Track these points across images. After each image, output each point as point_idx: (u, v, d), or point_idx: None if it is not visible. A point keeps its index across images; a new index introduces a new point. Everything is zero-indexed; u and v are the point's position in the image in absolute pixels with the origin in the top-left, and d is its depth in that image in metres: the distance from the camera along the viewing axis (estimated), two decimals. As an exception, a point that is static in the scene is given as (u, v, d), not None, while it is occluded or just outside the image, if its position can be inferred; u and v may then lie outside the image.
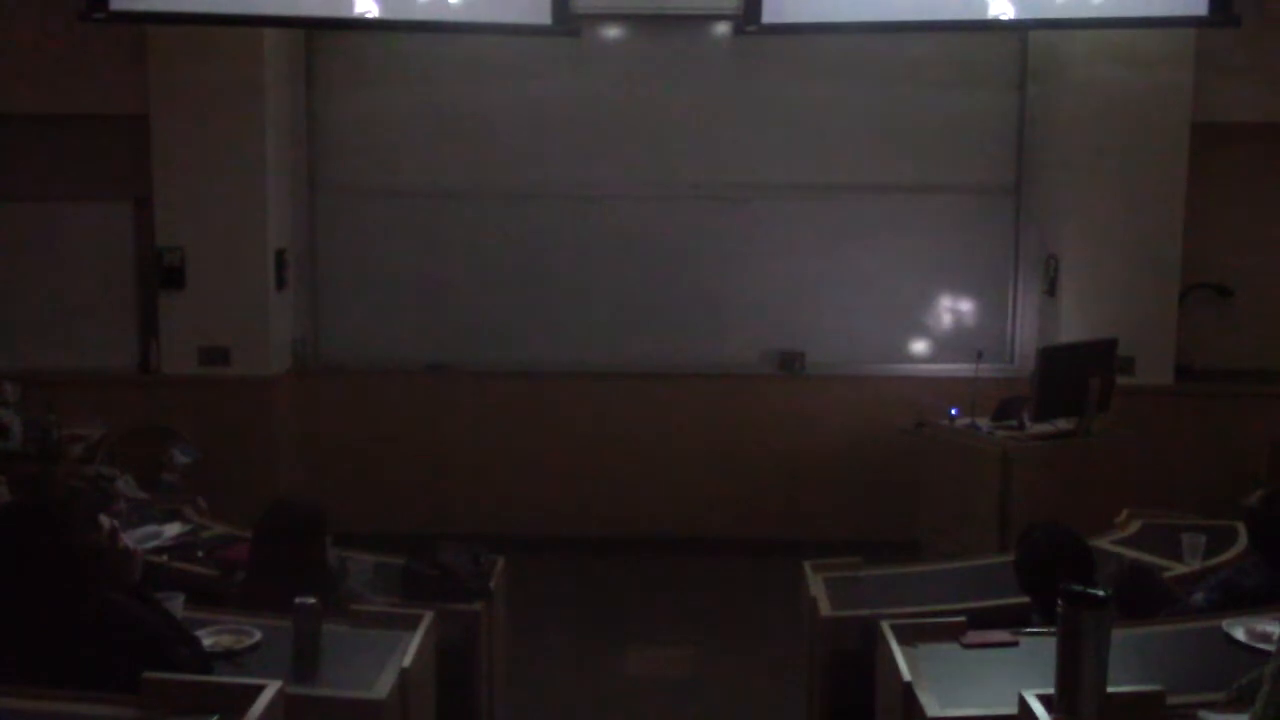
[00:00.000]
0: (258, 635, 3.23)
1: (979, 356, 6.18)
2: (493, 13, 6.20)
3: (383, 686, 3.00)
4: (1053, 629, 2.67)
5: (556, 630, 5.78)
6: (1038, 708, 2.59)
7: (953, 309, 7.12)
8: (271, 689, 2.63)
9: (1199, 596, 3.63)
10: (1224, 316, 6.84)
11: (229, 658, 3.12)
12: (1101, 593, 2.65)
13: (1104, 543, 4.42)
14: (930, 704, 2.87)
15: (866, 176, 7.04)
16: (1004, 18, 6.19)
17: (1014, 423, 5.96)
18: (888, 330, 7.12)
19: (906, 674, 3.03)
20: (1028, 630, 3.28)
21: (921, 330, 7.13)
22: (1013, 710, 2.69)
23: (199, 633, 3.14)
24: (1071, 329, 6.59)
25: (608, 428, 7.02)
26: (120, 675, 2.64)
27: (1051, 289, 6.83)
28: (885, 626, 3.29)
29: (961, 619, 3.30)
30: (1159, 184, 6.54)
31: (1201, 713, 2.62)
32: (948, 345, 7.08)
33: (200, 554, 4.34)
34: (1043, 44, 6.86)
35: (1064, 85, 6.72)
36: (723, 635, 5.84)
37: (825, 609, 3.89)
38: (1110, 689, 2.60)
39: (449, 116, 7.04)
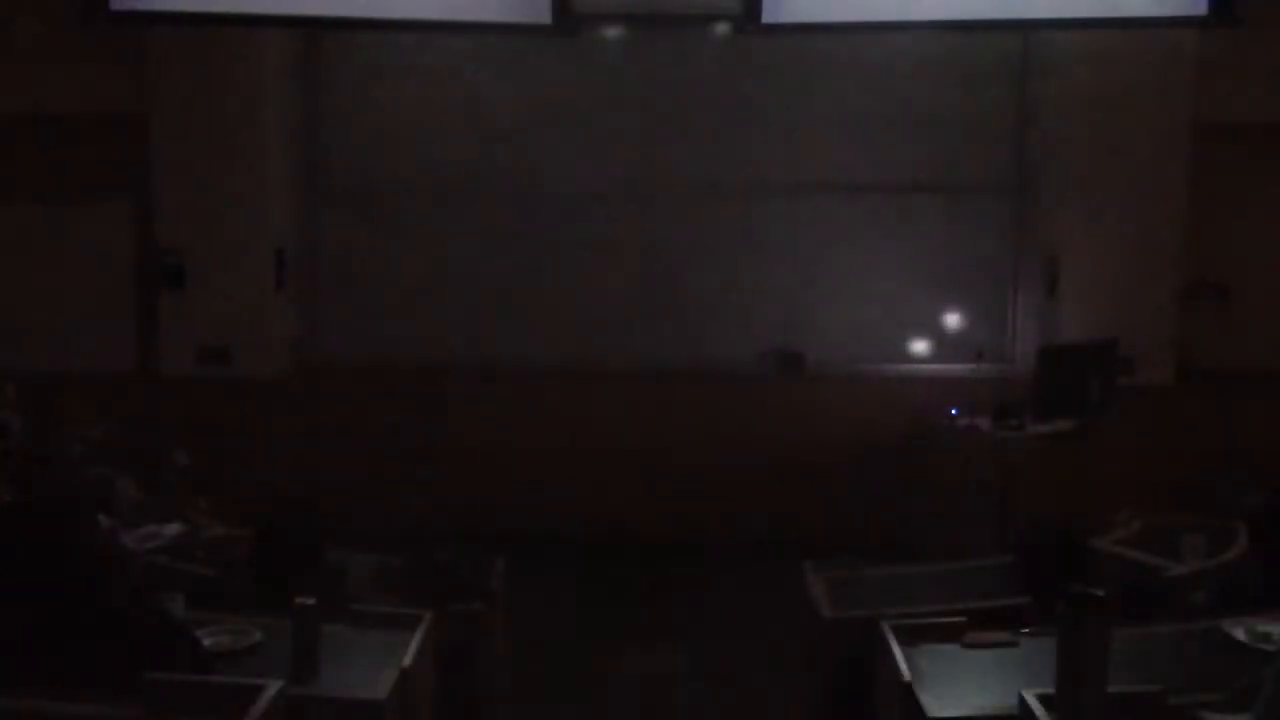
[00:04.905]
0: (258, 635, 3.23)
1: (979, 356, 6.19)
2: (493, 13, 6.19)
3: (383, 686, 3.00)
4: (1053, 629, 2.67)
5: (556, 630, 5.78)
6: (1038, 708, 2.59)
7: (953, 309, 7.12)
8: (271, 689, 2.63)
9: (1199, 596, 3.63)
10: (1224, 316, 6.84)
11: (229, 658, 3.12)
12: (1101, 593, 2.65)
13: (1104, 543, 4.41)
14: (930, 704, 2.87)
15: (866, 176, 7.04)
16: (1004, 18, 6.18)
17: (1014, 423, 5.96)
18: (888, 330, 7.12)
19: (906, 674, 3.03)
20: (1028, 630, 3.28)
21: (921, 330, 7.13)
22: (1013, 710, 2.69)
23: (199, 633, 3.14)
24: (1071, 329, 6.59)
25: (608, 428, 7.02)
26: (120, 675, 2.64)
27: (1051, 289, 6.82)
28: (885, 626, 3.29)
29: (961, 619, 3.30)
30: (1159, 184, 6.55)
31: (1202, 713, 2.62)
32: (948, 345, 7.08)
33: (200, 554, 4.34)
34: (1043, 44, 6.86)
35: (1064, 85, 6.72)
36: (722, 636, 5.83)
37: (825, 609, 3.89)
38: (1110, 689, 2.59)
39: (449, 116, 7.04)
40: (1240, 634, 3.21)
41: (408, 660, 3.15)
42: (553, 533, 6.84)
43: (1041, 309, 7.00)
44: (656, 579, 6.63)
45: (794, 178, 7.05)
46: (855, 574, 4.22)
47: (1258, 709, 2.39)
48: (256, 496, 4.27)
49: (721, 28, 6.99)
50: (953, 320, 7.13)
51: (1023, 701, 2.64)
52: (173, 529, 4.57)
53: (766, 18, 6.11)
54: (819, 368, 7.04)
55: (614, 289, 7.09)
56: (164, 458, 6.23)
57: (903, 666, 3.07)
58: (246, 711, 2.53)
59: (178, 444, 6.29)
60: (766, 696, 5.07)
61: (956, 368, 6.73)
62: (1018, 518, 5.38)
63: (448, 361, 7.08)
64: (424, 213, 7.11)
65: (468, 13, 6.20)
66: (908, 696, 2.96)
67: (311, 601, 3.13)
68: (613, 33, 7.07)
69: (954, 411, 6.09)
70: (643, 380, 7.04)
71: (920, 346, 7.14)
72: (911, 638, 3.23)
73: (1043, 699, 2.61)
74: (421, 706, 3.31)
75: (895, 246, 7.06)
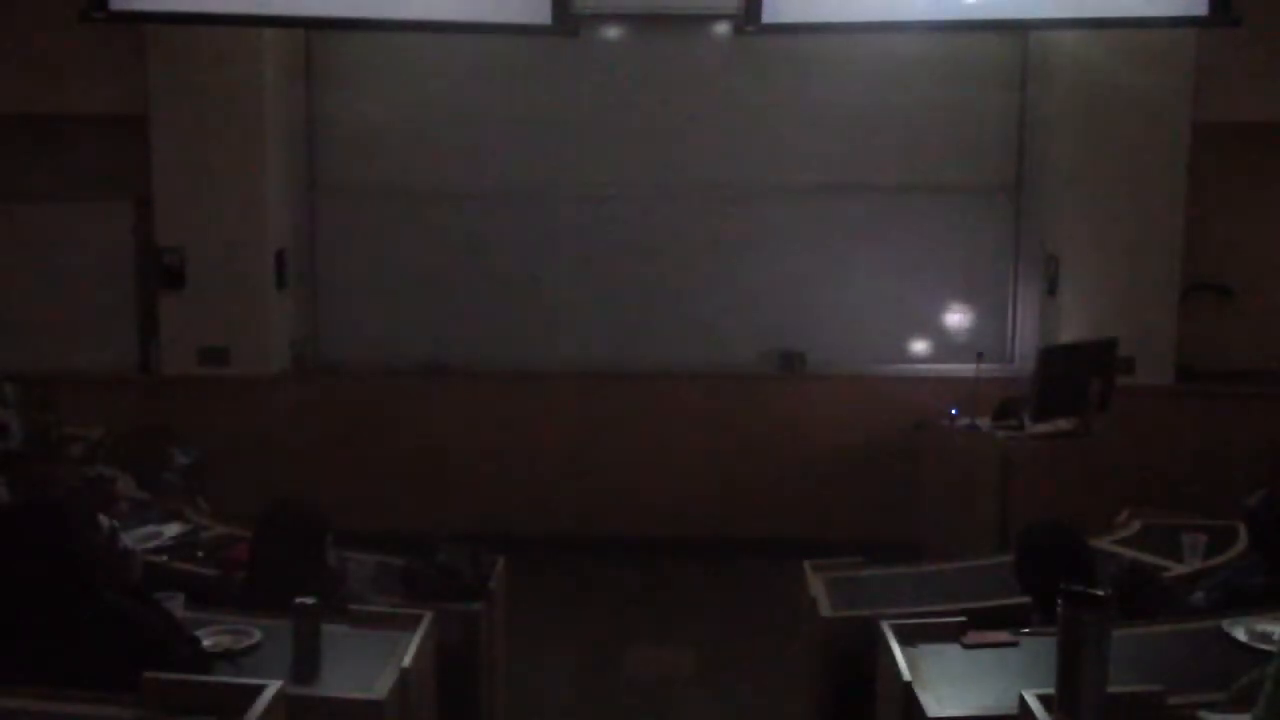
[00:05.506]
0: (258, 635, 3.23)
1: (979, 357, 6.18)
2: (493, 13, 6.20)
3: (383, 686, 3.00)
4: (1053, 629, 2.67)
5: (556, 630, 5.78)
6: (1038, 708, 2.59)
7: (953, 309, 7.12)
8: (271, 689, 2.63)
9: (1199, 596, 3.63)
10: (1224, 316, 6.84)
11: (229, 658, 3.12)
12: (1101, 593, 2.65)
13: (1104, 543, 4.42)
14: (930, 704, 2.87)
15: (867, 176, 7.03)
16: (1004, 18, 6.18)
17: (1014, 423, 5.96)
18: (888, 330, 7.12)
19: (906, 674, 3.03)
20: (1028, 630, 3.28)
21: (921, 330, 7.13)
22: (1013, 710, 2.69)
23: (199, 633, 3.14)
24: (1071, 329, 6.59)
25: (608, 428, 7.02)
26: (120, 675, 2.64)
27: (1051, 289, 6.82)
28: (885, 626, 3.29)
29: (961, 619, 3.30)
30: (1159, 184, 6.55)
31: (1202, 713, 2.62)
32: (948, 345, 7.07)
33: (200, 554, 4.34)
34: (1043, 44, 6.86)
35: (1064, 85, 6.72)
36: (723, 635, 5.84)
37: (825, 609, 3.89)
38: (1110, 689, 2.59)
39: (449, 116, 7.04)
40: (1240, 634, 3.22)
41: (408, 660, 3.15)
42: (552, 533, 6.84)
43: (1041, 309, 7.00)
44: (656, 579, 6.64)
45: (794, 178, 7.04)
46: (855, 574, 4.23)
47: (1258, 709, 2.39)
48: (256, 496, 4.26)
49: (721, 28, 6.99)
50: (953, 320, 7.12)
51: (1023, 701, 2.64)
52: (173, 529, 4.58)
53: (766, 18, 6.12)
54: (820, 367, 7.04)
55: (614, 289, 7.09)
56: (164, 458, 6.24)
57: (903, 666, 3.07)
58: (246, 711, 2.54)
59: (178, 444, 6.31)
60: (767, 696, 5.07)
61: (957, 368, 6.72)
62: (1018, 518, 5.37)
63: (448, 361, 7.08)
64: (424, 213, 7.11)
65: (467, 13, 6.20)
66: (908, 696, 2.96)
67: (311, 601, 3.13)
68: (613, 33, 7.07)
69: (954, 411, 6.09)
70: (643, 380, 7.03)
71: (920, 346, 7.14)
72: (911, 638, 3.23)
73: (1043, 699, 2.61)
74: (421, 706, 3.31)
75: (895, 246, 7.06)
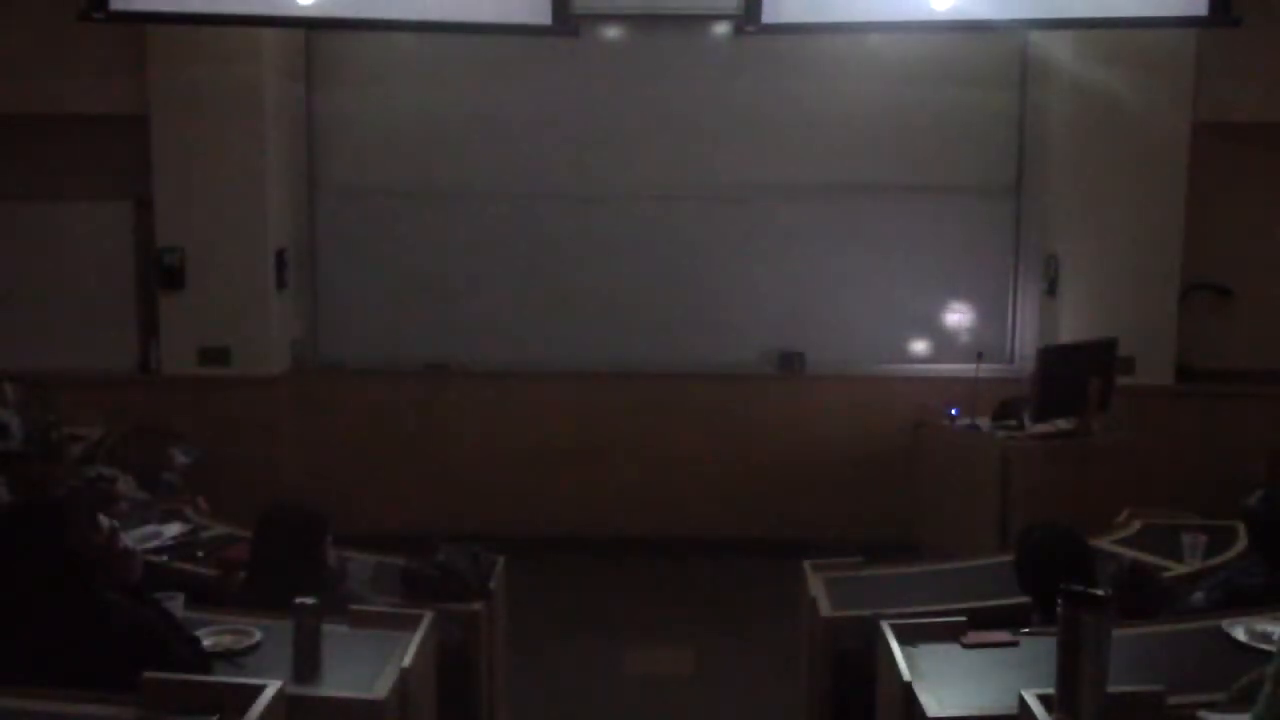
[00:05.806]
0: (258, 635, 3.24)
1: (979, 357, 6.18)
2: (493, 13, 6.20)
3: (383, 686, 3.00)
4: (1053, 629, 2.67)
5: (556, 630, 5.78)
6: (1038, 708, 2.59)
7: (953, 309, 7.12)
8: (271, 689, 2.64)
9: (1199, 596, 3.63)
10: (1224, 316, 6.84)
11: (229, 658, 3.12)
12: (1101, 593, 2.65)
13: (1104, 543, 4.42)
14: (930, 704, 2.87)
15: (866, 176, 7.03)
16: (1003, 18, 6.18)
17: (1014, 423, 5.96)
18: (888, 330, 7.12)
19: (906, 674, 3.03)
20: (1028, 630, 3.28)
21: (921, 330, 7.13)
22: (1013, 710, 2.69)
23: (199, 633, 3.15)
24: (1071, 329, 6.59)
25: (608, 428, 7.02)
26: (120, 675, 2.64)
27: (1051, 289, 6.83)
28: (885, 626, 3.29)
29: (961, 619, 3.30)
30: (1159, 184, 6.55)
31: (1202, 713, 2.62)
32: (948, 345, 7.08)
33: (200, 554, 4.35)
34: (1043, 44, 6.86)
35: (1064, 85, 6.72)
36: (723, 636, 5.84)
37: (825, 609, 3.90)
38: (1110, 689, 2.60)
39: (449, 116, 7.04)
40: (1240, 634, 3.22)
41: (408, 660, 3.15)
42: (552, 533, 6.85)
43: (1041, 309, 7.01)
44: (656, 578, 6.64)
45: (794, 178, 7.04)
46: (855, 574, 4.23)
47: (1258, 709, 2.39)
48: (256, 496, 4.26)
49: (721, 28, 6.99)
50: (953, 320, 7.12)
51: (1023, 701, 2.64)
52: (173, 529, 4.58)
53: (766, 18, 6.12)
54: (820, 367, 7.04)
55: (614, 289, 7.09)
56: (164, 458, 6.25)
57: (903, 666, 3.07)
58: (246, 711, 2.54)
59: (178, 444, 6.31)
60: (766, 696, 5.07)
61: (956, 368, 6.72)
62: (1017, 518, 5.38)
63: (448, 361, 7.08)
64: (424, 213, 7.10)
65: (467, 13, 6.20)
66: (908, 696, 2.96)
67: (311, 601, 3.13)
68: (613, 33, 7.07)
69: (954, 411, 6.09)
70: (643, 380, 7.03)
71: (920, 346, 7.14)
72: (911, 638, 3.23)
73: (1043, 699, 2.62)
74: (421, 706, 3.31)
75: (895, 246, 7.05)
